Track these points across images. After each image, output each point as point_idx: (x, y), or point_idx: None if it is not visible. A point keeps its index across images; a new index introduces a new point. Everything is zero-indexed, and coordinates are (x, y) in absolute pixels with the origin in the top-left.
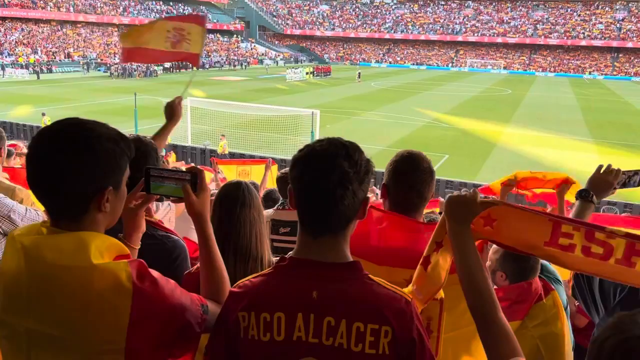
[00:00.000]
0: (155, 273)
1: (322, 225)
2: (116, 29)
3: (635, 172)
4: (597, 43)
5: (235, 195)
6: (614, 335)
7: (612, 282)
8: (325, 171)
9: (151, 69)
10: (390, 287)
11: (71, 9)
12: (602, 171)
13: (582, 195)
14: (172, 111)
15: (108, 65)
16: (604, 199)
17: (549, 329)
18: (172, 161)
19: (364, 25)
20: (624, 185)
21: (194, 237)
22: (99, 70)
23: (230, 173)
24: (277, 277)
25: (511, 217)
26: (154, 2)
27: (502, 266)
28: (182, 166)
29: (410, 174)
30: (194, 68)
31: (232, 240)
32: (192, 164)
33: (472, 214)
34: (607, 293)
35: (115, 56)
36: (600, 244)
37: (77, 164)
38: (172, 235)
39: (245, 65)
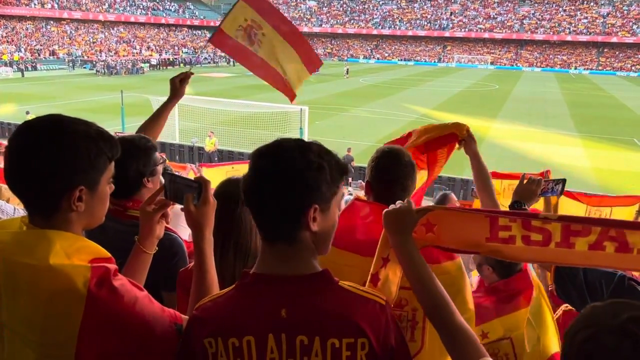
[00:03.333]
0: (121, 282)
1: (281, 233)
2: (101, 26)
3: (557, 182)
4: (582, 38)
5: (235, 193)
6: (584, 328)
7: (597, 275)
8: (282, 174)
9: (137, 66)
10: (363, 291)
11: (55, 5)
12: (525, 182)
13: (515, 208)
14: (175, 88)
15: (94, 62)
16: None
17: (537, 304)
18: None
19: (352, 21)
20: (546, 192)
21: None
22: (84, 67)
23: (219, 175)
24: (242, 296)
25: (450, 220)
26: None
27: (486, 260)
28: (170, 164)
29: (393, 168)
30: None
31: (232, 238)
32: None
33: (411, 223)
34: (592, 286)
35: (100, 53)
36: (538, 230)
37: (44, 158)
38: (171, 233)
39: (234, 62)
